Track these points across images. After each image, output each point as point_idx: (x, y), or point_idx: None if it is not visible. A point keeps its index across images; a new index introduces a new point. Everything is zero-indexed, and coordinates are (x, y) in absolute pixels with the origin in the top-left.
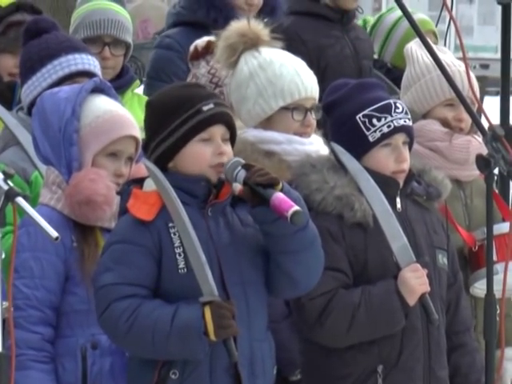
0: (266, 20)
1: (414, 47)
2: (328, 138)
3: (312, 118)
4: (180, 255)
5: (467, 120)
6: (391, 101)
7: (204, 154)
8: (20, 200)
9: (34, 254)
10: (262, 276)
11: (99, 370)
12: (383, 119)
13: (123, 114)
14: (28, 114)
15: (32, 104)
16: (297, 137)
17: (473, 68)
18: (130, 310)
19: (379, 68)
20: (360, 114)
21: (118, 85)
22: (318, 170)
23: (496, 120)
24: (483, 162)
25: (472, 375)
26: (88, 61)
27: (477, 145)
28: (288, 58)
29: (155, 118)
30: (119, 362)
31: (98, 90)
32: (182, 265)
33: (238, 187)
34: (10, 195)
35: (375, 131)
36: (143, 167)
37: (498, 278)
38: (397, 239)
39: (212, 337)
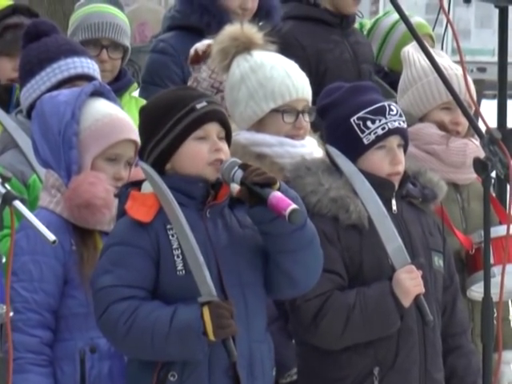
0: (261, 23)
1: (411, 51)
2: (324, 140)
3: (304, 120)
4: (178, 257)
5: (464, 123)
6: (385, 103)
7: (200, 151)
8: (17, 203)
9: (33, 258)
10: (261, 277)
11: (98, 374)
12: (377, 121)
13: (123, 118)
14: (27, 117)
15: (31, 107)
16: (288, 139)
17: (470, 71)
18: (129, 312)
19: (376, 72)
20: (354, 117)
21: (116, 88)
22: (313, 173)
23: (493, 123)
24: (480, 165)
25: (468, 377)
26: (87, 64)
27: (474, 148)
28: (279, 61)
29: (149, 121)
30: (118, 366)
31: (97, 93)
32: (180, 266)
33: (235, 188)
34: (7, 198)
35: (370, 133)
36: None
37: (495, 281)
38: (392, 241)
39: (211, 337)
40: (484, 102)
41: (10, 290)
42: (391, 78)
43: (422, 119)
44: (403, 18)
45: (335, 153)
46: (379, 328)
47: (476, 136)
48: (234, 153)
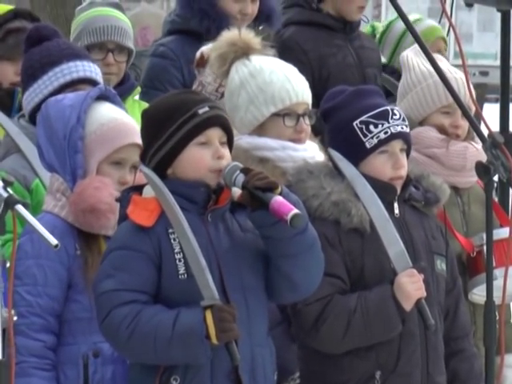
0: (261, 28)
1: (410, 55)
2: (325, 144)
3: (305, 124)
4: (180, 261)
5: (464, 127)
6: (388, 107)
7: (203, 157)
8: (20, 207)
9: (37, 262)
10: (262, 281)
11: (101, 378)
12: (380, 126)
13: (128, 122)
14: (29, 122)
15: (33, 111)
16: (290, 143)
17: (472, 75)
18: (131, 316)
19: (390, 74)
20: (357, 121)
21: (120, 92)
22: (315, 176)
23: (495, 127)
24: (483, 169)
25: (470, 381)
26: (89, 68)
27: (474, 151)
28: (278, 65)
29: (151, 126)
30: (121, 371)
31: (103, 97)
32: (182, 270)
33: (237, 193)
34: (9, 203)
35: (372, 138)
36: None
37: (497, 284)
38: (393, 245)
39: (214, 340)
40: (486, 105)
41: (14, 293)
42: None
43: (421, 123)
44: (405, 21)
45: (337, 157)
46: (380, 332)
47: (476, 139)
48: (236, 157)
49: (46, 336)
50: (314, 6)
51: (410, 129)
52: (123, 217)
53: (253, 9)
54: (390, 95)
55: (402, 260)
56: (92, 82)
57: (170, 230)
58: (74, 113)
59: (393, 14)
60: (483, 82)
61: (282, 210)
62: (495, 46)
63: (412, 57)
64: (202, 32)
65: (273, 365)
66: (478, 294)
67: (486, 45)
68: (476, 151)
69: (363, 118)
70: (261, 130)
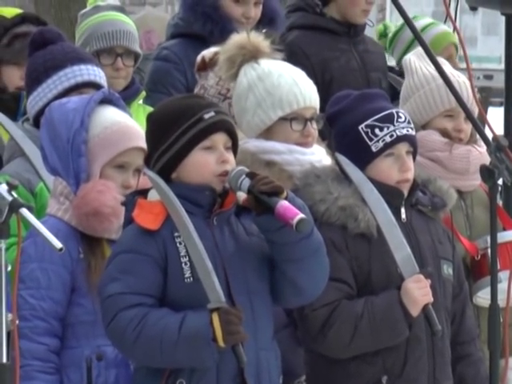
0: (264, 31)
1: (413, 58)
2: (332, 149)
3: (312, 128)
4: (186, 264)
5: (467, 130)
6: (393, 110)
7: (207, 162)
8: (24, 211)
9: (40, 265)
10: (267, 285)
11: (104, 382)
12: (386, 129)
13: (131, 126)
14: (34, 126)
15: (38, 115)
16: (298, 147)
17: (477, 79)
18: (137, 319)
19: (400, 75)
20: (362, 125)
21: (126, 96)
22: (322, 181)
23: (500, 130)
24: (487, 173)
25: None
26: (94, 72)
27: (477, 155)
28: (287, 69)
29: (156, 129)
30: (124, 374)
31: (106, 100)
32: (188, 274)
33: (242, 196)
34: (14, 206)
35: (378, 141)
36: None
37: (501, 287)
38: (400, 250)
39: (221, 343)
40: (491, 109)
41: (18, 297)
42: None
43: (424, 127)
44: (409, 24)
45: (344, 161)
46: (387, 337)
47: (479, 142)
48: (243, 160)
49: (49, 339)
50: (317, 11)
51: None
52: (129, 220)
53: (256, 12)
54: (397, 98)
55: (409, 265)
56: (96, 86)
57: (176, 234)
58: (78, 116)
59: (397, 18)
60: (487, 85)
61: (288, 215)
62: (499, 50)
63: (415, 60)
64: (205, 35)
65: (278, 368)
66: (483, 297)
67: (490, 48)
68: (479, 154)
69: (368, 121)
70: (268, 133)
